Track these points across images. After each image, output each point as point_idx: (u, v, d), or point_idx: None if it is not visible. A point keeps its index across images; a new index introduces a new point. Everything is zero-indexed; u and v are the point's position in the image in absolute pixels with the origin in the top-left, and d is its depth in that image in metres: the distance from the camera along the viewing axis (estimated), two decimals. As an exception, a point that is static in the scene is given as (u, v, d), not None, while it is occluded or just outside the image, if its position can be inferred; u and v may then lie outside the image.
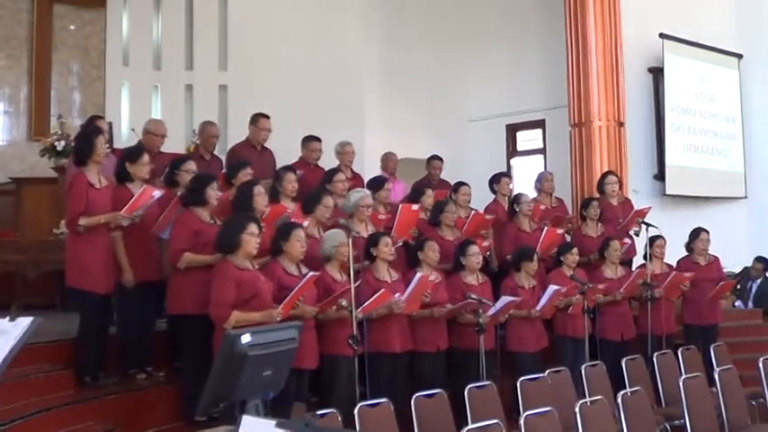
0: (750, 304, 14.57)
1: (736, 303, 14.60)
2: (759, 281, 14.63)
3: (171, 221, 8.19)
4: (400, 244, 9.45)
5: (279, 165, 10.61)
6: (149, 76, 16.52)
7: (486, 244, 10.40)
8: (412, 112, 17.09)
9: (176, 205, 8.21)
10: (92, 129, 9.07)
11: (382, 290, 8.22)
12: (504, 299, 9.32)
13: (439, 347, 9.07)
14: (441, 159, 13.05)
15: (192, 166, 8.91)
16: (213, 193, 8.05)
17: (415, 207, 9.92)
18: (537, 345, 9.87)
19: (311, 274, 7.52)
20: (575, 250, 10.59)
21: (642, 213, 11.72)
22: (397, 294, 8.39)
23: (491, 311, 9.10)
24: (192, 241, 7.85)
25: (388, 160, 12.92)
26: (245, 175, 9.16)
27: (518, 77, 17.17)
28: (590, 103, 14.05)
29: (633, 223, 11.70)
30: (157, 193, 8.09)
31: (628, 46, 14.47)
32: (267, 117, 10.99)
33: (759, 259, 14.61)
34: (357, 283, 7.95)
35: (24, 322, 4.64)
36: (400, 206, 9.83)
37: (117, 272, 8.17)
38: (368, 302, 8.02)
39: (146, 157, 8.46)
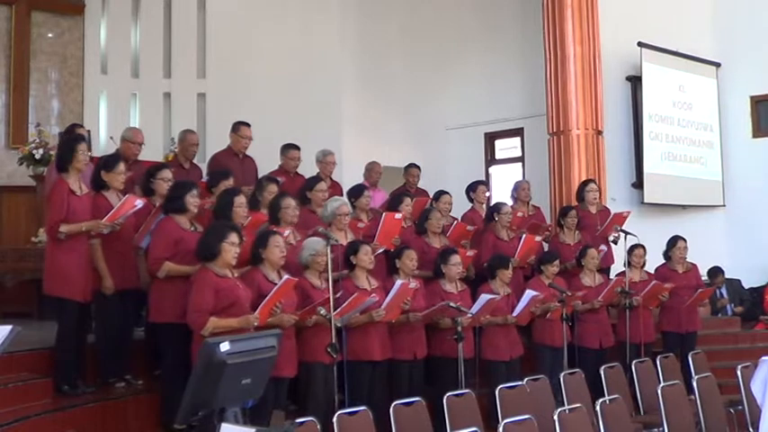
0: (731, 306, 14.67)
1: (729, 306, 14.69)
2: (724, 285, 14.70)
3: (150, 231, 8.17)
4: (380, 252, 9.45)
5: (260, 173, 10.64)
6: (127, 83, 16.53)
7: (470, 254, 10.41)
8: (390, 120, 17.12)
9: (156, 215, 8.19)
10: (74, 136, 9.07)
11: (356, 293, 8.22)
12: (484, 297, 9.33)
13: (417, 355, 9.07)
14: (418, 167, 13.08)
15: (167, 174, 8.88)
16: (193, 200, 8.02)
17: (398, 216, 9.93)
18: (511, 353, 9.88)
19: (287, 277, 7.50)
20: (556, 262, 10.61)
21: (621, 219, 11.76)
22: (373, 295, 8.40)
23: (472, 310, 9.12)
24: (173, 250, 7.83)
25: (372, 170, 12.84)
26: (227, 185, 9.13)
27: (496, 86, 17.19)
28: (568, 112, 14.07)
29: (611, 230, 11.72)
30: (140, 203, 8.08)
31: (606, 54, 14.51)
32: (248, 125, 11.01)
33: (713, 273, 14.57)
34: (338, 294, 7.96)
35: (3, 331, 4.63)
36: (384, 214, 9.85)
37: (95, 280, 8.13)
38: (343, 306, 8.00)
39: (121, 166, 8.43)
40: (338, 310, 7.91)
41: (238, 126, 11.02)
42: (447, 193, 11.37)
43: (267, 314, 7.30)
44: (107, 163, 8.46)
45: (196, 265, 7.56)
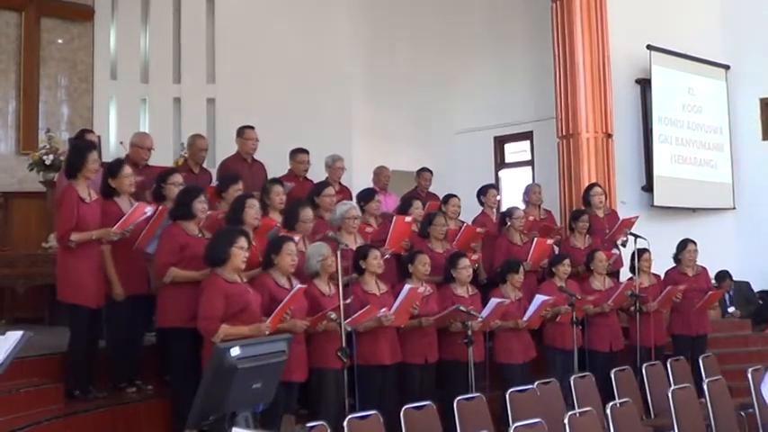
0: (733, 308, 14.67)
1: (729, 310, 14.67)
2: (732, 288, 14.69)
3: (155, 236, 8.15)
4: (388, 256, 9.44)
5: (269, 177, 10.64)
6: (137, 89, 16.55)
7: (475, 257, 10.42)
8: (399, 124, 17.12)
9: (159, 220, 8.13)
10: (85, 143, 9.08)
11: (368, 305, 8.21)
12: (494, 301, 9.35)
13: (428, 359, 9.06)
14: (430, 171, 13.09)
15: (178, 178, 8.89)
16: (200, 206, 8.01)
17: (408, 219, 9.93)
18: (525, 356, 9.88)
19: (299, 286, 7.52)
20: (566, 262, 10.61)
21: (629, 223, 11.74)
22: (383, 309, 8.38)
23: (482, 314, 9.15)
24: (179, 255, 7.82)
25: (380, 174, 12.83)
26: (236, 190, 9.11)
27: (506, 89, 17.20)
28: (578, 115, 14.08)
29: (620, 234, 11.72)
30: (149, 210, 8.05)
31: (615, 58, 14.52)
32: (252, 128, 11.01)
33: (720, 277, 14.56)
34: (348, 300, 7.97)
35: (14, 336, 4.65)
36: (394, 218, 9.87)
37: (107, 286, 8.15)
38: (355, 316, 8.02)
39: (126, 170, 8.42)
40: (350, 319, 7.93)
41: (242, 130, 11.04)
42: (455, 196, 11.36)
43: (278, 322, 7.31)
44: (111, 170, 8.42)
45: (203, 270, 7.59)
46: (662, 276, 11.65)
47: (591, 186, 12.53)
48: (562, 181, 14.20)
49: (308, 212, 8.89)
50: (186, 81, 16.81)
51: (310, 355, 7.94)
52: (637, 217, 12.04)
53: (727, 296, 14.69)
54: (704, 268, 11.84)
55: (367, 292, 8.60)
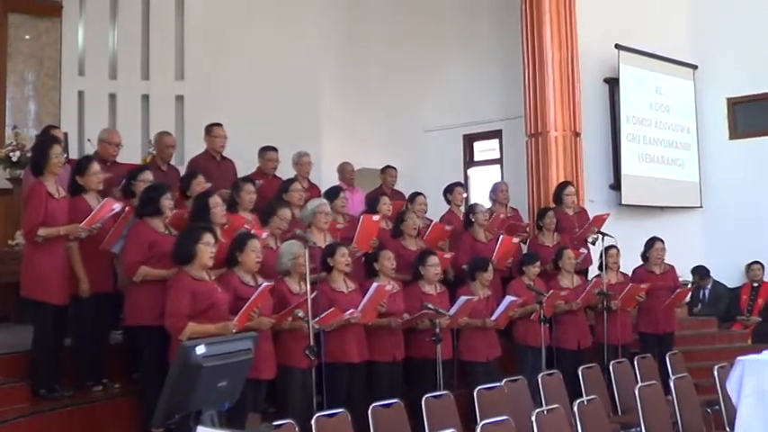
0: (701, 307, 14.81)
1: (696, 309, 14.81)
2: (709, 286, 14.81)
3: (121, 236, 8.09)
4: (359, 255, 9.44)
5: (239, 175, 10.63)
6: (105, 85, 16.43)
7: (447, 256, 10.43)
8: (369, 122, 17.09)
9: (126, 219, 8.10)
10: (47, 138, 9.01)
11: (332, 308, 8.20)
12: (462, 298, 9.36)
13: (396, 357, 9.08)
14: (395, 168, 13.13)
15: (148, 176, 8.87)
16: (168, 202, 7.99)
17: (376, 218, 9.92)
18: (488, 354, 9.89)
19: (265, 284, 7.50)
20: (538, 263, 10.66)
21: (601, 220, 11.80)
22: (350, 311, 8.38)
23: (449, 312, 9.15)
24: (147, 253, 7.79)
25: (344, 170, 12.93)
26: (198, 184, 9.12)
27: (475, 88, 17.16)
28: (546, 114, 14.08)
29: (590, 231, 11.76)
30: (117, 206, 8.02)
31: (584, 57, 14.53)
32: (220, 125, 11.05)
33: (696, 271, 14.74)
34: (313, 294, 7.94)
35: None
36: (362, 217, 9.84)
37: (72, 283, 8.10)
38: (322, 316, 8.01)
39: (95, 167, 8.38)
40: (317, 318, 7.91)
41: (210, 128, 11.10)
42: (421, 194, 11.40)
43: (245, 320, 7.29)
44: (79, 166, 8.41)
45: (172, 269, 7.55)
46: (629, 274, 11.70)
47: (564, 185, 12.61)
48: (531, 179, 14.21)
49: (286, 213, 8.93)
50: (155, 78, 16.73)
51: (277, 352, 7.92)
52: (608, 214, 12.11)
53: (704, 292, 14.83)
54: (672, 266, 11.92)
55: (335, 290, 8.59)
